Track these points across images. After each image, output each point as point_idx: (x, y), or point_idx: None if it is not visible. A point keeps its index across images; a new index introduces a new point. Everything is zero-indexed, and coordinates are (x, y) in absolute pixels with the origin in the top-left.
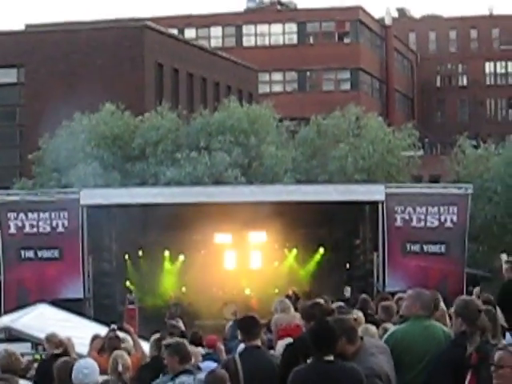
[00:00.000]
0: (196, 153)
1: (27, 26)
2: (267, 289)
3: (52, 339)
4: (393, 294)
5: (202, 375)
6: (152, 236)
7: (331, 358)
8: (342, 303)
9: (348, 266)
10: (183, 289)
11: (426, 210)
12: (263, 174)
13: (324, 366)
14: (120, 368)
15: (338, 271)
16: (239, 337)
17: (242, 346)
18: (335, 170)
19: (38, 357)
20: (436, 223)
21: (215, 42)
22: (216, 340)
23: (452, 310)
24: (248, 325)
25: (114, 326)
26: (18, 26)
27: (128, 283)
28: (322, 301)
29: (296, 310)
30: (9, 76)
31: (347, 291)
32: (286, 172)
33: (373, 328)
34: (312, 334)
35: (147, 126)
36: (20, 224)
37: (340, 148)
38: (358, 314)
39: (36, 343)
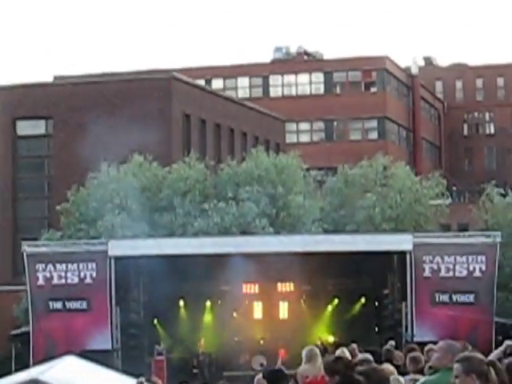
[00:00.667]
0: (224, 203)
1: (55, 78)
2: (296, 340)
3: None
4: (422, 344)
5: None
6: (181, 286)
7: None
8: (368, 355)
9: (377, 315)
10: (215, 339)
11: (455, 259)
12: (291, 223)
13: None
14: None
15: (367, 321)
16: None
17: None
18: (363, 220)
19: None
20: (465, 273)
21: (242, 93)
22: None
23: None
24: (275, 377)
25: (142, 379)
26: (47, 77)
27: (156, 333)
28: (346, 353)
29: None
30: (38, 128)
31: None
32: (313, 222)
33: (402, 379)
34: None
35: (175, 176)
36: (48, 275)
37: (367, 197)
38: (386, 366)
39: None
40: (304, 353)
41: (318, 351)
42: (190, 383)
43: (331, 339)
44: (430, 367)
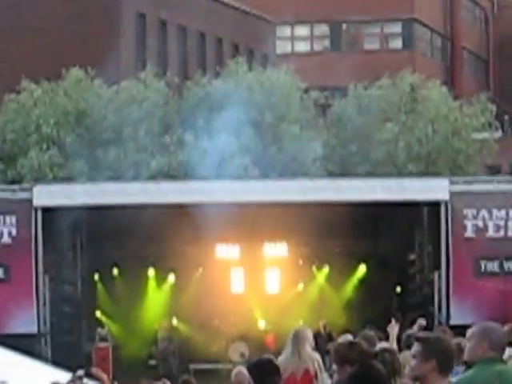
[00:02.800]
0: (191, 135)
1: None
2: (288, 321)
3: None
4: (460, 328)
5: None
6: (132, 249)
7: None
8: (386, 344)
9: (399, 290)
10: (174, 321)
11: (507, 214)
12: (283, 164)
13: None
14: None
15: (386, 297)
16: None
17: None
18: (381, 159)
19: None
20: None
21: None
22: None
23: None
24: (262, 371)
25: (79, 373)
26: None
27: (99, 313)
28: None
29: (327, 352)
30: None
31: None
32: (313, 161)
33: None
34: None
35: (125, 98)
36: None
37: (388, 128)
38: (406, 354)
39: None
40: (290, 337)
41: (307, 335)
42: (144, 378)
43: (338, 322)
44: (465, 362)
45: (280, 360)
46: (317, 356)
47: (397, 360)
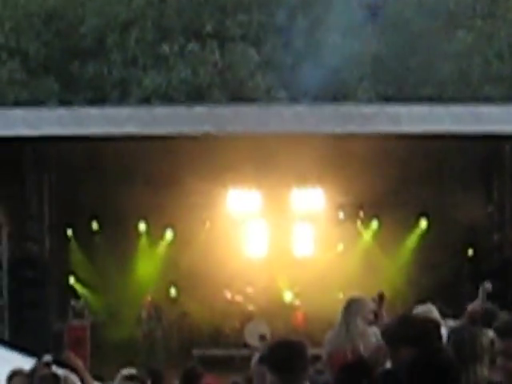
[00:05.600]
0: (197, 44)
1: None
2: (324, 293)
3: None
4: None
5: None
6: (117, 196)
7: None
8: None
9: (472, 252)
10: (172, 290)
11: None
12: (318, 84)
13: None
14: None
15: (455, 261)
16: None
17: None
18: (449, 77)
19: None
20: None
21: None
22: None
23: None
24: (284, 358)
25: (47, 359)
26: None
27: (73, 280)
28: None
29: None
30: None
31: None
32: (360, 80)
33: None
34: (414, 372)
35: None
36: None
37: (458, 38)
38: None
39: None
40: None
41: (363, 305)
42: (131, 367)
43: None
44: None
45: (328, 336)
46: (374, 331)
47: (479, 341)
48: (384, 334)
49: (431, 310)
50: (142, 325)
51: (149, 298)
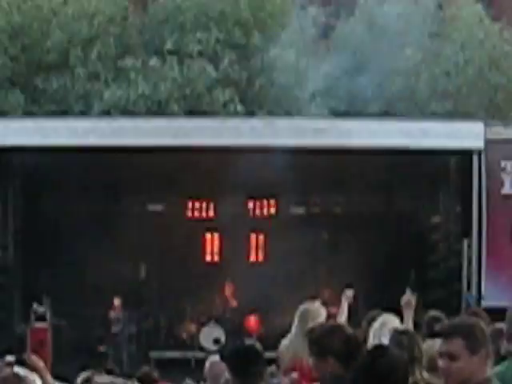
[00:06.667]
0: (158, 60)
1: None
2: (277, 299)
3: None
4: (495, 311)
5: None
6: (79, 206)
7: None
8: (407, 326)
9: (418, 262)
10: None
11: None
12: (274, 98)
13: None
14: None
15: (402, 269)
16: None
17: None
18: (398, 94)
19: None
20: None
21: None
22: None
23: None
24: (242, 361)
25: (9, 359)
26: None
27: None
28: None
29: None
30: None
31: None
32: (313, 96)
33: None
34: (359, 379)
35: (73, 11)
36: None
37: (408, 55)
38: (429, 344)
39: None
40: (296, 314)
41: (317, 312)
42: (91, 368)
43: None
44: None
45: (281, 346)
46: None
47: (417, 345)
48: (311, 343)
49: (388, 322)
50: (110, 324)
51: (118, 303)
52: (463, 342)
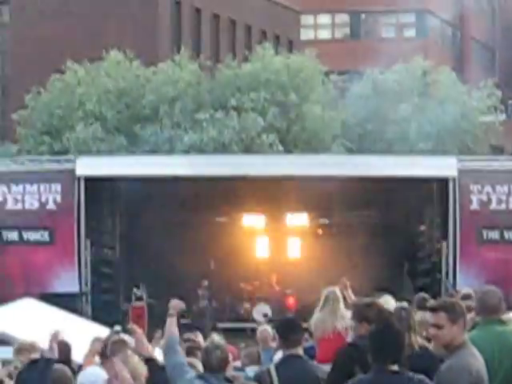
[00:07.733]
0: (222, 113)
1: None
2: (308, 285)
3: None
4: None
5: None
6: (167, 217)
7: (396, 367)
8: (405, 303)
9: (410, 258)
10: (205, 282)
11: (509, 189)
12: (305, 140)
13: (389, 377)
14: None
15: (397, 264)
16: (274, 344)
17: (278, 356)
18: (395, 138)
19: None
20: None
21: None
22: (233, 352)
23: None
24: (287, 329)
25: (117, 328)
26: None
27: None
28: (382, 300)
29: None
30: None
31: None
32: (333, 139)
33: None
34: (374, 339)
35: (161, 78)
36: (1, 198)
37: (402, 109)
38: (424, 315)
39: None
40: (322, 297)
41: (339, 296)
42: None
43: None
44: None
45: (314, 319)
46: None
47: (412, 317)
48: (352, 311)
49: (387, 301)
50: (199, 301)
51: (204, 283)
52: (446, 315)
